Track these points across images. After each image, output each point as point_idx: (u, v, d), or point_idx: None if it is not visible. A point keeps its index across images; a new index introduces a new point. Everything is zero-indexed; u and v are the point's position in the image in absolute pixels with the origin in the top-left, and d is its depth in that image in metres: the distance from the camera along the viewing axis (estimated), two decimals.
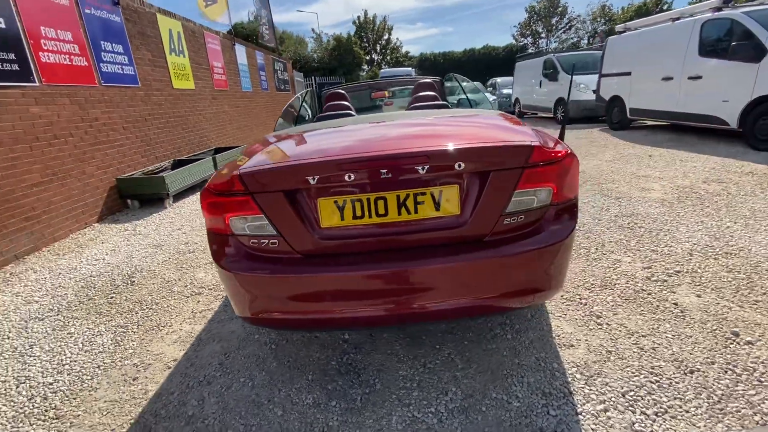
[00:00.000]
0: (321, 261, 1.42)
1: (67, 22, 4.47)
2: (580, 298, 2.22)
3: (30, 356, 2.18)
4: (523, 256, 1.40)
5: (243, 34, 18.17)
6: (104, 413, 1.72)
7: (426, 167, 1.32)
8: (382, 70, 18.20)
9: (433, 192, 1.39)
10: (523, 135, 1.51)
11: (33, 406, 1.79)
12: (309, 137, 1.87)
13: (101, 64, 4.95)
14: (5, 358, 2.17)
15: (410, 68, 18.31)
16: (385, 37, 31.62)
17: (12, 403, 1.82)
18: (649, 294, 2.19)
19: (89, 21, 4.79)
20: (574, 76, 9.56)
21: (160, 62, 6.31)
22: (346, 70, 22.24)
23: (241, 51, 9.90)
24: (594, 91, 8.79)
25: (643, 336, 1.85)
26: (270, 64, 12.35)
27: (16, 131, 3.78)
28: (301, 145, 1.77)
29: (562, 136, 1.91)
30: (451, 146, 1.34)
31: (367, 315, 1.44)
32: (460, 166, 1.32)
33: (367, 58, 29.19)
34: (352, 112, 2.61)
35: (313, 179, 1.33)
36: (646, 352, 1.75)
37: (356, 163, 1.34)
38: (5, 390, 1.91)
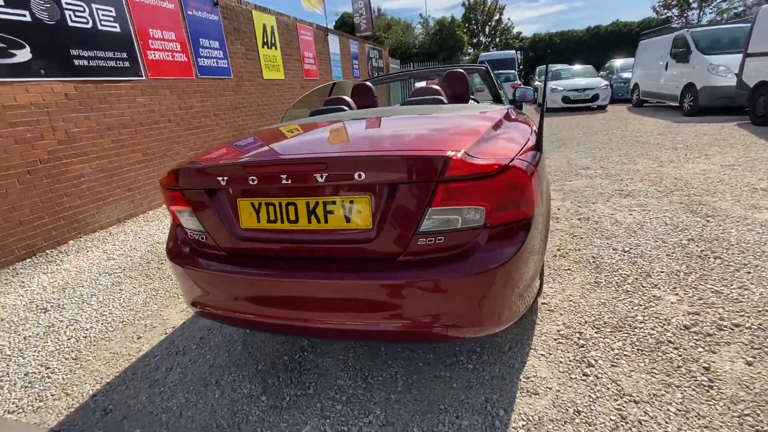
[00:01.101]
0: (240, 261, 1.46)
1: (172, 24, 5.23)
2: (579, 337, 1.85)
3: (87, 304, 2.71)
4: (440, 282, 1.23)
5: (351, 23, 18.94)
6: (105, 363, 2.05)
7: (324, 175, 1.23)
8: (482, 54, 17.21)
9: (344, 202, 1.29)
10: (454, 143, 1.30)
11: (68, 345, 2.24)
12: (271, 134, 1.91)
13: (199, 59, 5.69)
14: (71, 303, 2.74)
15: (513, 51, 16.89)
16: (495, 17, 29.72)
17: (56, 341, 2.30)
18: (676, 348, 1.72)
19: (191, 21, 5.53)
20: (709, 56, 7.77)
21: (252, 55, 6.98)
22: (447, 54, 21.56)
23: (334, 41, 10.36)
24: (736, 75, 6.99)
25: (634, 402, 1.47)
26: (364, 53, 12.68)
27: (125, 118, 4.61)
28: (251, 143, 1.80)
29: (539, 141, 1.56)
30: (350, 154, 1.23)
31: (273, 322, 1.43)
32: (360, 176, 1.20)
33: (474, 41, 27.90)
34: (345, 108, 2.55)
35: (223, 180, 1.35)
36: (626, 425, 1.39)
37: (257, 167, 1.32)
38: (56, 329, 2.42)
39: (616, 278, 2.33)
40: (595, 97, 11.28)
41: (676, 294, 2.10)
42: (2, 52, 3.42)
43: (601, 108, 11.61)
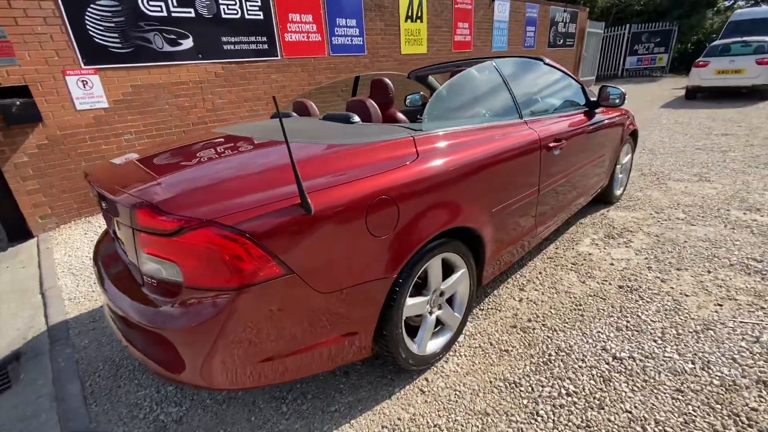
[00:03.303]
0: None
1: (310, 6, 5.87)
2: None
3: None
4: (149, 321, 1.27)
5: None
6: None
7: (105, 206, 1.41)
8: (736, 11, 12.18)
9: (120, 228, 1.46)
10: (171, 190, 1.26)
11: None
12: (163, 146, 1.97)
13: (333, 37, 6.25)
14: None
15: None
16: None
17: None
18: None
19: (329, 2, 6.07)
20: None
21: (392, 30, 7.13)
22: (683, 12, 16.03)
23: (503, 6, 9.37)
24: None
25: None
26: (546, 17, 10.99)
27: (259, 92, 5.63)
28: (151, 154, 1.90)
29: (303, 196, 1.22)
30: (109, 191, 1.34)
31: None
32: (116, 212, 1.33)
33: None
34: (292, 113, 2.44)
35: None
36: None
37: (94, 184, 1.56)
38: None
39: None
40: None
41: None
42: (173, 42, 4.69)
43: None
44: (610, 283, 2.38)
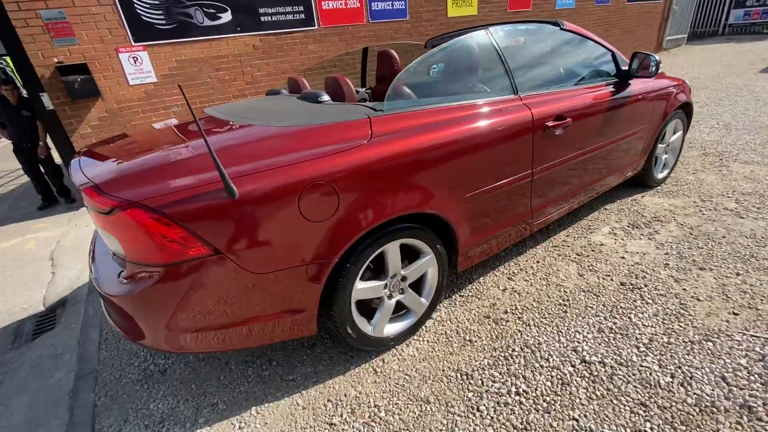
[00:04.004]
0: None
1: None
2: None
3: None
4: (108, 290, 1.44)
5: None
6: None
7: None
8: None
9: None
10: (122, 171, 1.36)
11: None
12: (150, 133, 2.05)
13: (372, 3, 6.04)
14: None
15: None
16: None
17: None
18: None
19: None
20: None
21: None
22: None
23: None
24: None
25: None
26: None
27: (296, 63, 5.70)
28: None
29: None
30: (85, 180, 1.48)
31: None
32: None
33: None
34: (284, 91, 2.39)
35: None
36: None
37: None
38: None
39: None
40: None
41: None
42: (212, 16, 4.88)
43: None
44: (611, 279, 2.16)
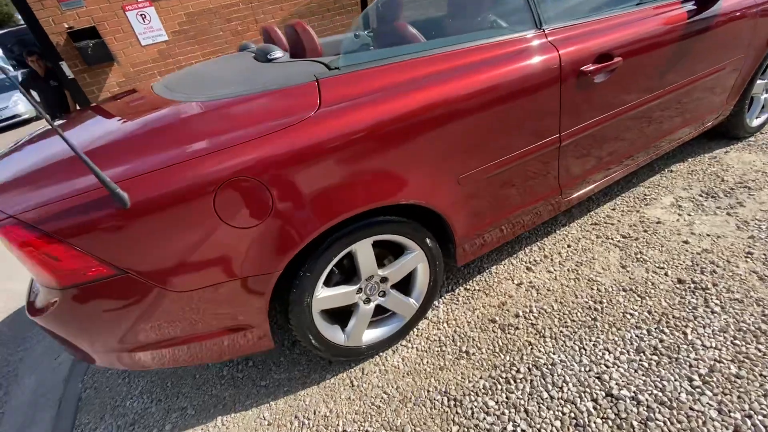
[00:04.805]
0: None
1: None
2: None
3: None
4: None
5: None
6: None
7: None
8: None
9: None
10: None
11: None
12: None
13: None
14: None
15: None
16: None
17: None
18: None
19: None
20: None
21: None
22: None
23: None
24: None
25: None
26: None
27: (312, 5, 5.12)
28: None
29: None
30: None
31: None
32: None
33: None
34: (251, 46, 1.94)
35: None
36: None
37: None
38: None
39: None
40: None
41: None
42: None
43: None
44: (666, 274, 1.66)
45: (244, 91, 1.20)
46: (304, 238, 1.20)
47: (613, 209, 2.11)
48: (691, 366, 1.30)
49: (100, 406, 1.74)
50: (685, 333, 1.41)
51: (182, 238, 1.08)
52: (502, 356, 1.48)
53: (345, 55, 1.29)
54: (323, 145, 1.14)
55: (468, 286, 1.84)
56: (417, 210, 1.46)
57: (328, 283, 1.42)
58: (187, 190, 1.03)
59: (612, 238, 1.91)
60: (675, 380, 1.27)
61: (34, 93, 4.79)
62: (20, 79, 4.75)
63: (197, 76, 1.57)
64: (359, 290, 1.46)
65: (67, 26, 4.16)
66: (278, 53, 1.46)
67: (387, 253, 1.54)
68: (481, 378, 1.43)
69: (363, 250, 1.37)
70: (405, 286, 1.61)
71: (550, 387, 1.34)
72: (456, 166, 1.38)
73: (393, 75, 1.27)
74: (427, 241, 1.49)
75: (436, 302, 1.79)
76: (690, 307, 1.50)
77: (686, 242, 1.80)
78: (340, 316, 1.53)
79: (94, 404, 1.76)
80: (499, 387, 1.38)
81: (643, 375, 1.31)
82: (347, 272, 1.46)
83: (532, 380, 1.37)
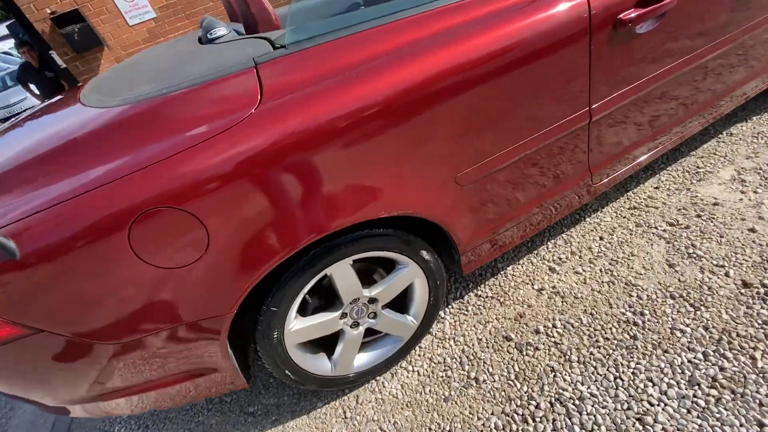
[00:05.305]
0: None
1: None
2: None
3: None
4: None
5: None
6: None
7: None
8: None
9: None
10: None
11: None
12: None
13: None
14: None
15: None
16: None
17: None
18: None
19: None
20: None
21: None
22: None
23: None
24: None
25: None
26: None
27: None
28: None
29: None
30: None
31: None
32: None
33: None
34: (214, 20, 1.60)
35: None
36: None
37: None
38: None
39: None
40: None
41: None
42: None
43: None
44: (727, 274, 1.32)
45: (165, 88, 0.93)
46: (256, 272, 0.96)
47: (657, 188, 1.74)
48: (762, 405, 1.01)
49: (90, 430, 1.65)
50: (753, 358, 1.11)
51: (98, 286, 0.87)
52: (518, 386, 1.24)
53: (293, 27, 0.98)
54: (266, 155, 0.87)
55: (479, 292, 1.58)
56: (408, 218, 1.19)
57: (304, 312, 1.20)
58: (90, 229, 0.81)
59: (656, 227, 1.57)
60: (741, 425, 0.99)
61: (32, 86, 4.69)
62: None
63: (130, 68, 1.30)
64: (344, 315, 1.23)
65: (49, 11, 3.92)
66: (221, 30, 1.16)
67: (377, 267, 1.29)
68: (492, 414, 1.19)
69: (341, 273, 1.13)
70: (402, 300, 1.37)
71: (578, 429, 1.09)
72: (452, 161, 1.08)
73: (361, 49, 0.97)
74: (423, 253, 1.22)
75: (441, 313, 1.55)
76: (760, 321, 1.18)
77: (752, 230, 1.44)
78: (326, 340, 1.32)
79: (85, 428, 1.68)
80: (514, 427, 1.15)
81: (698, 417, 1.03)
82: (327, 295, 1.23)
83: (554, 419, 1.13)
